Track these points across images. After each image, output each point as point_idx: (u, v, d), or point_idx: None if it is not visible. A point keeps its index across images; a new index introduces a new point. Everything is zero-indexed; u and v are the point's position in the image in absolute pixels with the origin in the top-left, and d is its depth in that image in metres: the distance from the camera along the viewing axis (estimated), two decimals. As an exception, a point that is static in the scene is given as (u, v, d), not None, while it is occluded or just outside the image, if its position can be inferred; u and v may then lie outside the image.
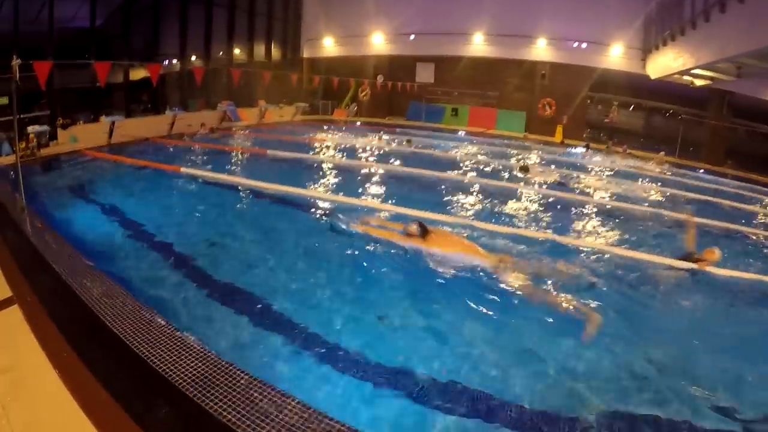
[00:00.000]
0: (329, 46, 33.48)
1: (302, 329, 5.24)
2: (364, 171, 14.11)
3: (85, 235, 7.95)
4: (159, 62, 20.65)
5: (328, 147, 18.74)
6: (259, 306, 5.77)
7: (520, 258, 6.90)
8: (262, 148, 16.53)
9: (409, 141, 20.55)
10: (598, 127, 29.41)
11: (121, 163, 14.01)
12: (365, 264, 6.96)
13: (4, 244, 6.48)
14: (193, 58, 25.37)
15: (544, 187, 13.54)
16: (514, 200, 11.87)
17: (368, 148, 18.79)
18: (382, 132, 22.92)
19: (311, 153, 17.18)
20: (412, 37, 30.92)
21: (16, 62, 7.79)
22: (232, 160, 15.69)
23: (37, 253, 6.30)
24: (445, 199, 11.50)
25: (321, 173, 13.79)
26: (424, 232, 6.76)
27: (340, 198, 10.21)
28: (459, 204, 11.14)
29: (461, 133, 27.14)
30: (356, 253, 7.29)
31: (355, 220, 8.15)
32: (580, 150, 24.15)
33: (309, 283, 6.48)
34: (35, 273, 5.71)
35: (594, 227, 10.27)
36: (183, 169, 12.35)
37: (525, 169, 15.09)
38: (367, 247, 7.38)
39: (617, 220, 10.91)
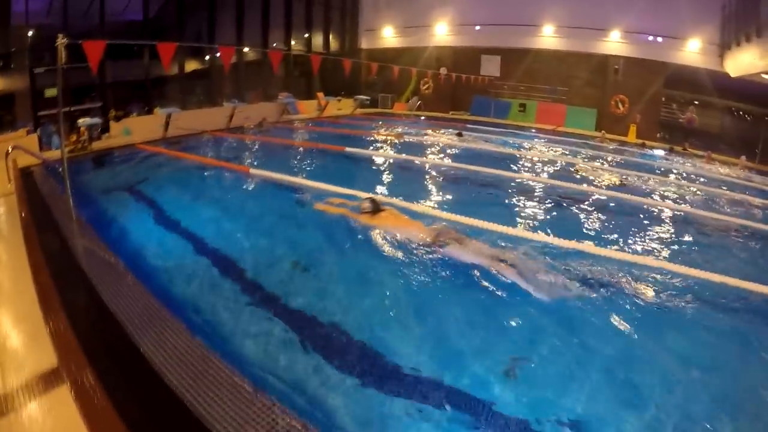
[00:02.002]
0: (389, 36, 32.01)
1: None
2: (458, 175, 12.30)
3: (143, 251, 6.75)
4: (231, 46, 19.56)
5: (404, 145, 16.78)
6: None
7: (462, 233, 6.80)
8: (339, 146, 14.76)
9: (459, 134, 18.84)
10: (671, 127, 27.14)
11: (179, 159, 12.80)
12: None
13: (53, 285, 4.95)
14: (246, 49, 24.23)
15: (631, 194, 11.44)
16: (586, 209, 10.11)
17: (453, 147, 16.81)
18: (458, 130, 20.84)
19: (391, 151, 15.52)
20: (477, 27, 29.24)
21: (62, 42, 6.53)
22: (305, 159, 14.09)
23: (94, 295, 4.86)
24: (507, 203, 10.15)
25: (406, 176, 12.14)
26: (375, 208, 7.11)
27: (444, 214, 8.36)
28: (523, 211, 9.63)
29: (533, 131, 25.14)
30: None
31: (316, 201, 8.36)
32: (660, 152, 22.04)
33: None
34: (92, 332, 4.25)
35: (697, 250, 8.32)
36: (252, 170, 10.89)
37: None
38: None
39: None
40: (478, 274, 5.94)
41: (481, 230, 7.37)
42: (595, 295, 5.79)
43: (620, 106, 26.99)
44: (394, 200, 8.70)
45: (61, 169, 9.11)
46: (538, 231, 7.89)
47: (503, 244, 6.83)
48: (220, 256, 6.74)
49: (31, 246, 5.93)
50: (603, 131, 25.08)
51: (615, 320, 5.30)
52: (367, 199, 7.33)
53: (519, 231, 7.75)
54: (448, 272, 6.09)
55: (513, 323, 5.24)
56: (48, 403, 3.38)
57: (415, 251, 6.51)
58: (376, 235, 6.92)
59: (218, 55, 22.36)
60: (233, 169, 11.36)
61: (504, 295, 5.61)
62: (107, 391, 3.30)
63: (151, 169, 12.01)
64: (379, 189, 10.38)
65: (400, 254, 6.48)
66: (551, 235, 7.57)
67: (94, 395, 3.26)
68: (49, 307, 4.45)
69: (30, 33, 16.06)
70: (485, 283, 5.80)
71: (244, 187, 10.18)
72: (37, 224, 6.91)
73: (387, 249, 6.65)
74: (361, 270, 6.26)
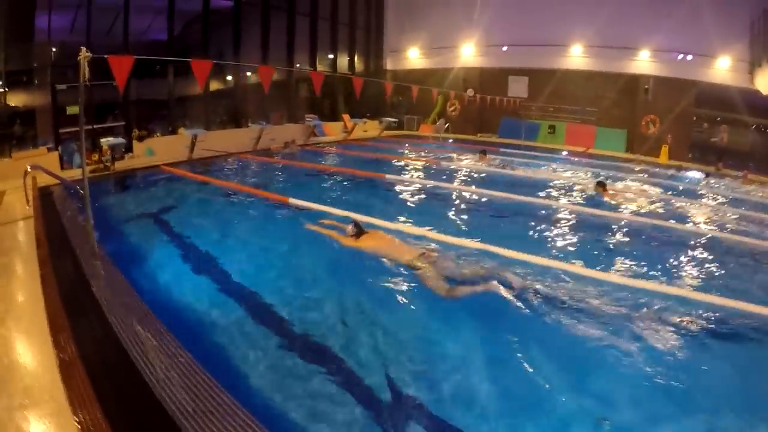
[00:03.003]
0: (414, 57, 31.48)
1: None
2: (492, 202, 11.41)
3: (168, 289, 6.14)
4: (270, 65, 18.94)
5: (439, 170, 15.78)
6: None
7: (442, 255, 6.83)
8: (379, 173, 13.85)
9: (483, 153, 17.63)
10: (702, 147, 26.13)
11: (207, 184, 12.24)
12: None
13: (72, 340, 4.23)
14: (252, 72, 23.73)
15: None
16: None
17: (490, 173, 15.47)
18: (482, 148, 19.58)
19: (428, 177, 14.47)
20: (504, 48, 28.63)
21: (85, 56, 5.96)
22: (345, 187, 13.11)
23: (117, 346, 4.19)
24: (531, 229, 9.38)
25: (443, 203, 11.24)
26: (359, 232, 7.25)
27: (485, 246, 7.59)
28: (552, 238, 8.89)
29: (564, 153, 24.13)
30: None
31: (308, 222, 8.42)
32: (697, 175, 20.85)
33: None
34: (113, 391, 3.62)
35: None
36: (291, 200, 9.97)
37: (602, 185, 12.41)
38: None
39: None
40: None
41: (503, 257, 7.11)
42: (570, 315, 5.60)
43: (651, 126, 26.06)
44: (389, 224, 8.51)
45: (82, 191, 8.61)
46: (562, 259, 7.39)
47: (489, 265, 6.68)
48: (247, 291, 6.21)
49: (47, 287, 5.31)
50: (637, 154, 24.20)
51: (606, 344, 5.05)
52: (351, 222, 7.51)
53: (538, 258, 7.16)
54: (413, 292, 6.11)
55: (471, 342, 5.14)
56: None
57: (387, 271, 6.57)
58: (357, 256, 7.02)
59: (246, 74, 22.13)
60: (269, 198, 10.59)
61: (470, 321, 5.51)
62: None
63: (177, 195, 11.43)
64: (416, 217, 9.60)
65: (370, 274, 6.55)
66: (570, 263, 7.14)
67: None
68: (69, 368, 3.83)
69: (53, 50, 15.73)
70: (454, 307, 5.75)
71: (278, 216, 9.44)
72: (55, 257, 6.33)
73: (362, 269, 6.74)
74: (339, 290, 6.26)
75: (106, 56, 6.74)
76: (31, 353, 4.15)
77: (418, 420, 3.96)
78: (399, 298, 6.04)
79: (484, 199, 11.80)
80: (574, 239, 8.95)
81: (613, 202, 11.81)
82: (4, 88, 14.93)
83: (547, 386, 4.41)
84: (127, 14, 17.14)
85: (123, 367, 3.88)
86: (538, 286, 6.18)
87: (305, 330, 5.27)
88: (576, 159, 21.93)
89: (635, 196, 12.98)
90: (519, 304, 5.67)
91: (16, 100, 15.46)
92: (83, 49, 5.92)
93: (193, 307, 5.69)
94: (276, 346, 4.99)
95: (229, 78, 22.74)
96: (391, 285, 6.26)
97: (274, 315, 5.60)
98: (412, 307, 5.89)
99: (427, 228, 8.49)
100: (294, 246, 7.86)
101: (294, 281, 6.52)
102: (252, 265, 7.09)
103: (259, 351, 4.80)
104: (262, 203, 10.31)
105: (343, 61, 28.89)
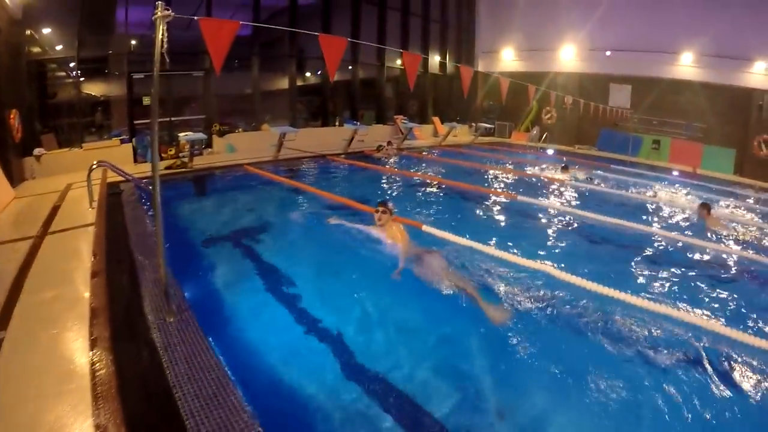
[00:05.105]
0: (508, 60, 29.37)
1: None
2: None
3: (250, 339, 4.68)
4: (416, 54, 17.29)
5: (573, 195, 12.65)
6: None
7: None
8: (510, 192, 11.46)
9: (565, 168, 15.36)
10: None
11: (301, 192, 10.54)
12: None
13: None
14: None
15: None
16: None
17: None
18: (564, 163, 16.78)
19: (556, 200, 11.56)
20: (607, 53, 26.22)
21: (163, 14, 4.36)
22: (475, 209, 10.46)
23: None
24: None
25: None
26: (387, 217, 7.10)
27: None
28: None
29: (675, 173, 21.13)
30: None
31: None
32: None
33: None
34: None
35: None
36: (426, 228, 7.70)
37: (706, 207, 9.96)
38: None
39: None
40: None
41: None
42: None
43: (764, 147, 23.10)
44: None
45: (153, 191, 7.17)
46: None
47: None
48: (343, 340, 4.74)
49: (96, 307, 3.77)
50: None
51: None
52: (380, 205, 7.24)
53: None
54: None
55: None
56: None
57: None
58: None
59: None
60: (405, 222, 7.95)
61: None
62: None
63: (266, 202, 9.92)
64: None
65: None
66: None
67: None
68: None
69: (131, 42, 15.33)
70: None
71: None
72: (111, 276, 4.80)
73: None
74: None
75: (196, 17, 5.05)
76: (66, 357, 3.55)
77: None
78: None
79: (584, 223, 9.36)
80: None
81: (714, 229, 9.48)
82: (78, 77, 14.26)
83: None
84: (209, 8, 16.49)
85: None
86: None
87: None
88: (687, 180, 19.08)
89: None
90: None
91: (92, 89, 14.87)
92: (160, 4, 4.31)
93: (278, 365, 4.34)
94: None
95: (308, 74, 21.74)
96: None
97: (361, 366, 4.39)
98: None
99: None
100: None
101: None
102: (352, 315, 5.31)
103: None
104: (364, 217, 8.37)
105: (434, 61, 27.12)
